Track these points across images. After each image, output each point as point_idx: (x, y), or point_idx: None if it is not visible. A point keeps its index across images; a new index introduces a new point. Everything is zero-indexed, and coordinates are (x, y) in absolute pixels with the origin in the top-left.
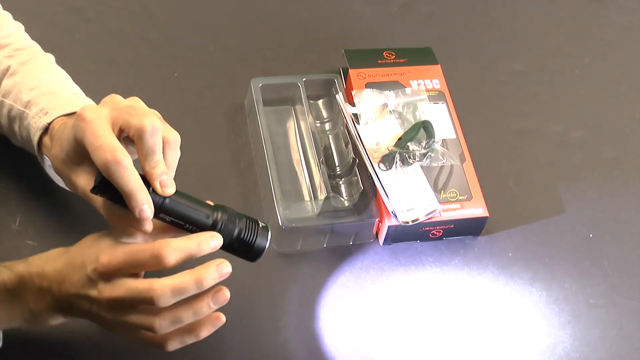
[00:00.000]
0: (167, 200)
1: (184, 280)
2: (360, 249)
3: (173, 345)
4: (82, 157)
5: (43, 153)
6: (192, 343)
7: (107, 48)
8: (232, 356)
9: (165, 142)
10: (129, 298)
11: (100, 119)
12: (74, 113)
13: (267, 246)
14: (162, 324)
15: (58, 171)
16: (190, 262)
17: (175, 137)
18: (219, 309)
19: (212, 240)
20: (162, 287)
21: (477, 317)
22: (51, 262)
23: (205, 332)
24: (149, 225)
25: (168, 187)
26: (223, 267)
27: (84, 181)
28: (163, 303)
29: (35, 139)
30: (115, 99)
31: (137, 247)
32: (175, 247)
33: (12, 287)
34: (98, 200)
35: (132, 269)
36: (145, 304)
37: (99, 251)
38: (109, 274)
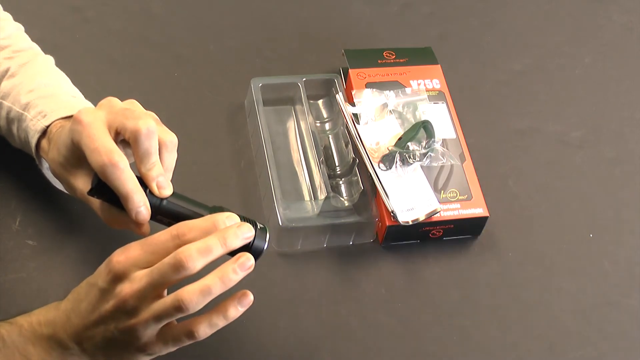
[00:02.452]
0: (165, 201)
1: (208, 240)
2: (360, 249)
3: (204, 331)
4: (80, 160)
5: (41, 156)
6: (216, 331)
7: (107, 48)
8: (232, 356)
9: (161, 144)
10: (155, 280)
11: (97, 122)
12: (72, 116)
13: (265, 247)
14: (192, 297)
15: (56, 174)
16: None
17: (171, 139)
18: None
19: (228, 220)
20: (187, 249)
21: (477, 317)
22: (54, 307)
23: (233, 311)
24: (146, 228)
25: (165, 189)
26: (245, 228)
27: (82, 184)
28: (192, 266)
29: (33, 142)
30: (111, 102)
31: (152, 236)
32: (193, 226)
33: (10, 340)
34: (96, 203)
35: (150, 256)
36: (174, 274)
37: (108, 260)
38: (125, 271)
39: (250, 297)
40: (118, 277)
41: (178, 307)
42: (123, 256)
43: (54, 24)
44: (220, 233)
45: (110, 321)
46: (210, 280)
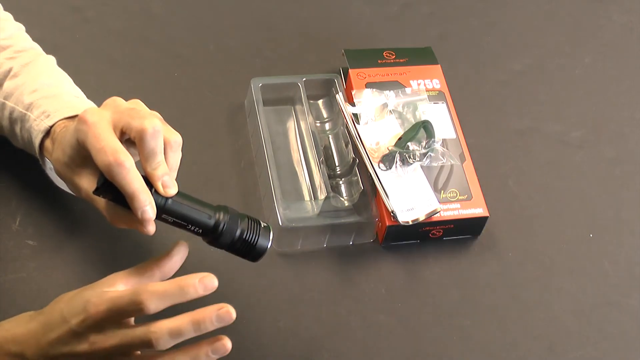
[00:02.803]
0: (169, 201)
1: (182, 322)
2: (360, 249)
3: None
4: (85, 160)
5: (44, 156)
6: None
7: (107, 48)
8: (232, 356)
9: (166, 144)
10: (126, 344)
11: (102, 122)
12: (75, 116)
13: (269, 246)
14: None
15: (60, 174)
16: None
17: (176, 139)
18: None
19: (200, 285)
20: (160, 330)
21: (477, 317)
22: (23, 325)
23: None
24: (151, 227)
25: (170, 188)
26: (224, 314)
27: (87, 183)
28: (162, 345)
29: (36, 142)
30: (116, 102)
31: (118, 293)
32: (154, 292)
33: None
34: (101, 202)
35: (117, 317)
36: (143, 347)
37: (85, 302)
38: (99, 324)
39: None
40: (92, 327)
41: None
42: (95, 310)
43: (54, 24)
44: (197, 316)
45: (81, 359)
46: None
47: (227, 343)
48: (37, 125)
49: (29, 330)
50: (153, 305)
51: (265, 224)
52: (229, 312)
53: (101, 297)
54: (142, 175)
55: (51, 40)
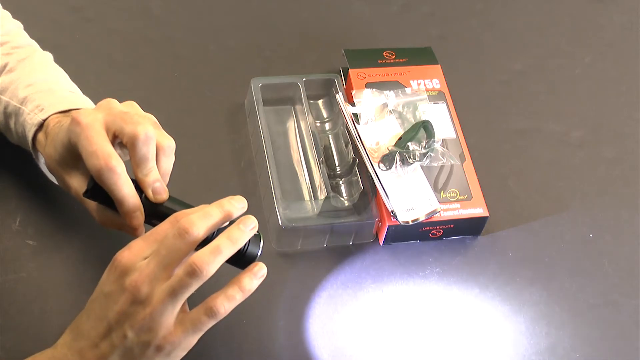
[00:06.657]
0: (160, 206)
1: (206, 207)
2: (360, 249)
3: (221, 304)
4: (76, 160)
5: (37, 150)
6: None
7: (107, 48)
8: (232, 356)
9: (159, 149)
10: (162, 256)
11: (95, 124)
12: (69, 110)
13: (259, 254)
14: (203, 257)
15: (51, 170)
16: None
17: (169, 144)
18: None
19: (238, 203)
20: (188, 217)
21: (477, 317)
22: (49, 349)
23: (247, 281)
24: (140, 231)
25: (161, 194)
26: (238, 198)
27: (77, 183)
28: (195, 231)
29: (30, 135)
30: (110, 104)
31: (152, 229)
32: (190, 213)
33: None
34: (91, 203)
35: (154, 245)
36: (178, 241)
37: (112, 262)
38: (131, 264)
39: (263, 269)
40: (125, 272)
41: (191, 272)
42: (127, 251)
43: (54, 24)
44: (217, 202)
45: (123, 322)
46: (218, 240)
47: (254, 219)
48: (31, 118)
49: (55, 348)
50: (198, 222)
51: (256, 232)
52: (242, 198)
53: (127, 247)
54: (132, 180)
55: (51, 40)
